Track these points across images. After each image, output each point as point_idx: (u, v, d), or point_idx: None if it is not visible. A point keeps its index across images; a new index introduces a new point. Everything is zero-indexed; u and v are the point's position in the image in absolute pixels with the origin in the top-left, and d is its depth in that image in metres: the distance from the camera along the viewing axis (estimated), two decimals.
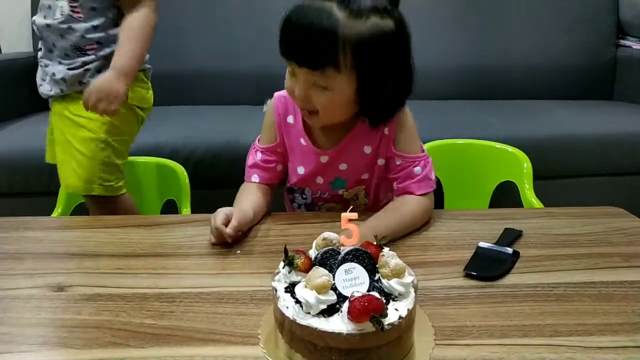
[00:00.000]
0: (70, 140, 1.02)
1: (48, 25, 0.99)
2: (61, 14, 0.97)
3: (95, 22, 0.98)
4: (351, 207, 0.65)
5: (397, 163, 0.86)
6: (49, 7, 0.99)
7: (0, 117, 1.59)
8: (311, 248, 0.58)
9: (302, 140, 0.87)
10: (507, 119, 1.55)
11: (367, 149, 0.86)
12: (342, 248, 0.56)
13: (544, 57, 1.89)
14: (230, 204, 1.10)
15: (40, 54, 1.05)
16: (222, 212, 0.76)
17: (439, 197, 1.34)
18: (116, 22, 1.01)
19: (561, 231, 0.81)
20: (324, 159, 0.87)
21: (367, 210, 0.91)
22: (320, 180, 0.89)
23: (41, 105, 1.66)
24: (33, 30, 1.83)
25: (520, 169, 1.20)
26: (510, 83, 1.88)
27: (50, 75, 1.03)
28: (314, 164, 0.87)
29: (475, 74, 1.87)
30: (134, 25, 0.97)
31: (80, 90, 1.01)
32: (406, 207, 0.82)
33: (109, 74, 0.95)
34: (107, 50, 1.01)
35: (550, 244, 0.77)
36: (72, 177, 1.04)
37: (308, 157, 0.87)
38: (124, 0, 0.98)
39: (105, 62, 1.01)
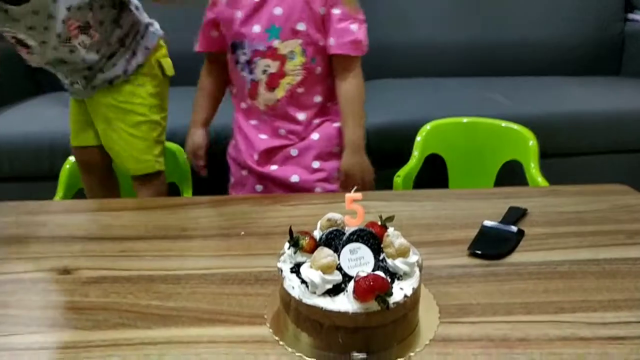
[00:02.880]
0: (121, 127, 1.04)
1: (84, 60, 0.99)
2: (85, 48, 0.97)
3: (110, 29, 0.99)
4: (355, 187, 0.65)
5: (335, 14, 0.88)
6: (71, 51, 0.97)
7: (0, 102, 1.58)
8: (315, 229, 0.58)
9: None
10: (513, 96, 1.53)
11: None
12: (346, 228, 0.56)
13: (550, 33, 1.85)
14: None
15: (65, 82, 1.05)
16: (191, 154, 1.04)
17: (443, 176, 1.34)
18: (120, 15, 1.01)
19: (566, 209, 0.81)
20: None
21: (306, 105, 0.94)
22: (256, 28, 0.90)
23: (39, 88, 1.66)
24: None
25: (525, 147, 1.19)
26: (516, 59, 1.85)
27: (91, 83, 1.03)
28: (250, 5, 0.90)
29: (480, 50, 1.85)
30: None
31: (126, 79, 1.03)
32: (350, 97, 0.93)
33: None
34: (129, 39, 1.03)
35: (554, 222, 0.77)
36: (130, 160, 1.07)
37: None
38: None
39: (135, 46, 1.04)
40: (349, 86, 0.93)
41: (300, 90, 0.93)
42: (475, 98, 1.53)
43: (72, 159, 1.14)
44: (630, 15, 1.92)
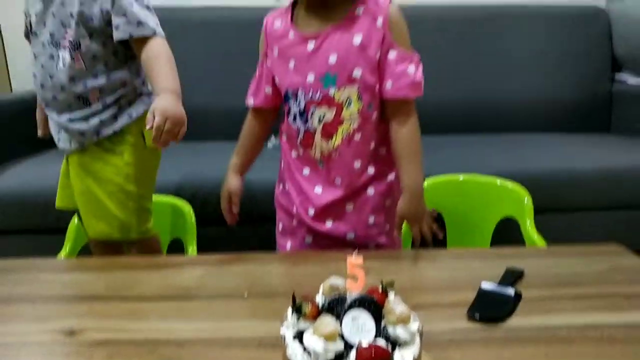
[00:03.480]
0: (97, 194, 1.02)
1: (51, 77, 0.98)
2: (63, 65, 0.96)
3: (96, 70, 0.98)
4: (356, 250, 0.67)
5: (391, 57, 0.88)
6: (51, 56, 0.97)
7: (12, 155, 1.62)
8: (318, 292, 0.59)
9: (291, 33, 0.91)
10: (505, 152, 1.57)
11: (357, 39, 0.87)
12: (348, 294, 0.58)
13: (540, 91, 1.93)
14: (238, 241, 1.12)
15: (46, 109, 1.04)
16: (225, 198, 1.04)
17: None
18: (115, 67, 1.01)
19: (563, 270, 0.83)
20: (311, 45, 0.88)
21: (349, 149, 0.93)
22: (310, 77, 0.89)
23: (47, 143, 1.70)
24: None
25: (521, 204, 1.21)
26: (508, 116, 1.91)
27: (64, 129, 1.02)
28: (303, 54, 0.89)
29: (471, 108, 1.92)
30: (157, 51, 0.97)
31: (96, 142, 1.01)
32: (408, 140, 0.92)
33: (169, 97, 0.91)
34: (111, 98, 1.00)
35: (552, 284, 0.78)
36: (104, 226, 1.04)
37: (297, 48, 0.90)
38: (134, 40, 0.98)
39: (116, 110, 1.01)
40: (407, 130, 0.91)
41: (357, 137, 0.93)
42: (469, 155, 1.58)
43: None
44: (618, 75, 2.01)
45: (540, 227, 1.16)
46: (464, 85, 1.93)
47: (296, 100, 0.92)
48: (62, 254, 1.10)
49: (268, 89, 0.99)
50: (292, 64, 0.91)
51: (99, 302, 0.74)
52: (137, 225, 1.07)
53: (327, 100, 0.90)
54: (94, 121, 1.00)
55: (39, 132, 1.13)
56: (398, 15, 0.89)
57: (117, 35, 0.96)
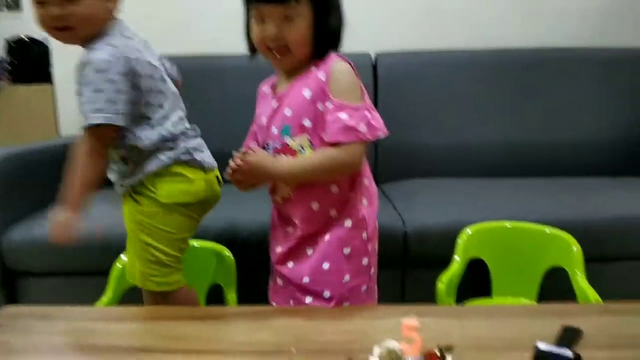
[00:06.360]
0: (128, 235, 1.09)
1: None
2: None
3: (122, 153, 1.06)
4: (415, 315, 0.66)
5: (329, 107, 0.94)
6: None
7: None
8: (371, 354, 0.58)
9: (270, 96, 1.04)
10: (552, 197, 1.51)
11: (307, 93, 0.96)
12: (404, 357, 0.56)
13: (588, 134, 1.88)
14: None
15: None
16: None
17: (486, 280, 1.32)
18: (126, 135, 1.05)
19: (623, 331, 0.78)
20: (274, 103, 1.01)
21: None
22: (274, 130, 1.00)
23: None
24: None
25: (569, 254, 1.17)
26: (554, 160, 1.87)
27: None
28: (269, 111, 1.02)
29: (517, 151, 1.89)
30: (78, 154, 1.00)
31: (125, 193, 1.09)
32: (326, 152, 0.94)
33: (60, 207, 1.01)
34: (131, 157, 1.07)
35: (612, 345, 0.74)
36: (131, 269, 1.09)
37: (267, 106, 1.03)
38: None
39: (133, 167, 1.07)
40: (332, 152, 0.93)
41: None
42: (515, 200, 1.53)
43: (123, 257, 1.17)
44: None
45: (592, 278, 1.12)
46: (510, 128, 1.91)
47: (268, 150, 1.02)
48: (104, 299, 1.11)
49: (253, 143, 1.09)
50: (264, 120, 1.03)
51: (145, 355, 0.74)
52: (156, 277, 1.07)
53: (285, 148, 0.99)
54: (114, 177, 1.10)
55: None
56: (339, 69, 0.95)
57: None
